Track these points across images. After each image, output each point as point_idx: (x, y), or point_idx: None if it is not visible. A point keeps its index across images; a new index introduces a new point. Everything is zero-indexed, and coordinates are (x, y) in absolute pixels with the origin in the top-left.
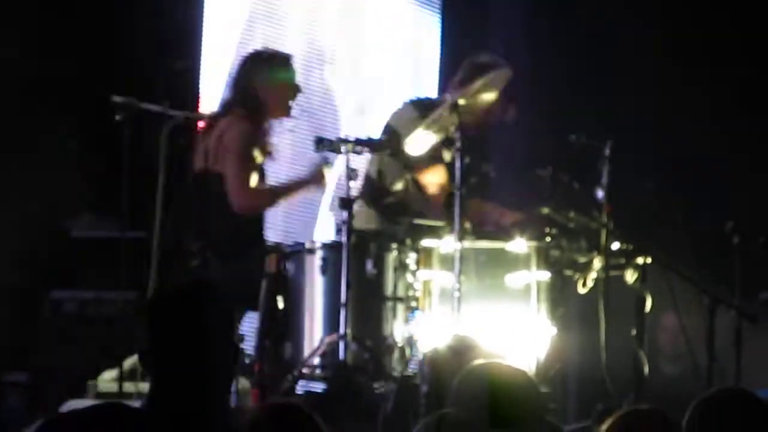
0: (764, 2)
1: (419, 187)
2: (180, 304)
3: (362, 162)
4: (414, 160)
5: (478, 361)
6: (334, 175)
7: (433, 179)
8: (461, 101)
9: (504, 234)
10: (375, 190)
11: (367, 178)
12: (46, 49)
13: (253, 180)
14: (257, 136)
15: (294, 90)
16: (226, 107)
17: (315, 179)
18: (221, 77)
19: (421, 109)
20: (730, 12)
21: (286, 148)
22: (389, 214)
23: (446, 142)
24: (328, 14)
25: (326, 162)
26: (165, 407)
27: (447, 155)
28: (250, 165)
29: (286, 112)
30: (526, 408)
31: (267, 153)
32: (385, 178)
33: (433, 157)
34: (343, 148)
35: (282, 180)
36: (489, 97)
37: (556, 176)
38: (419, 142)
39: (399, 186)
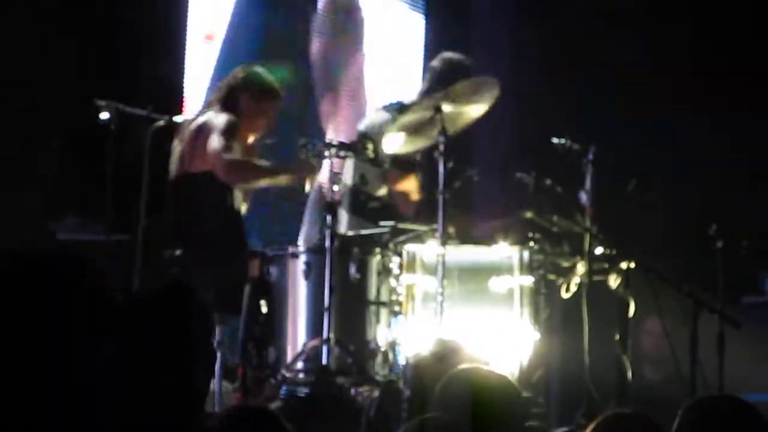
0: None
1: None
2: (158, 307)
3: (342, 170)
4: (387, 170)
5: (461, 366)
6: (320, 174)
7: (406, 188)
8: (445, 106)
9: (487, 239)
10: (358, 195)
11: (349, 187)
12: (30, 51)
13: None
14: (238, 128)
15: (267, 123)
16: (205, 107)
17: (303, 168)
18: (205, 81)
19: (393, 112)
20: (710, 13)
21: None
22: (373, 218)
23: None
24: (311, 15)
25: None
26: (146, 416)
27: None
28: (232, 140)
29: (255, 132)
30: (508, 413)
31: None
32: (367, 183)
33: (405, 166)
34: (326, 153)
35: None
36: (477, 109)
37: (540, 180)
38: (394, 142)
39: (383, 191)
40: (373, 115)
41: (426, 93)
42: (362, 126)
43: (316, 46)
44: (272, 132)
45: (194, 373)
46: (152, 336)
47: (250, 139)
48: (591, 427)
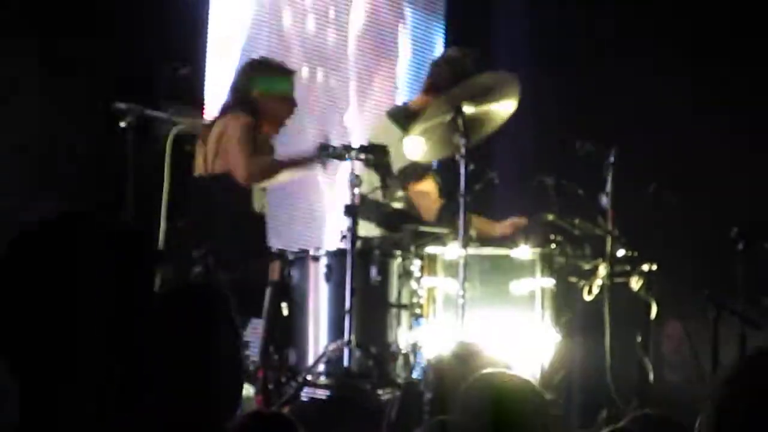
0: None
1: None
2: (182, 307)
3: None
4: (403, 176)
5: (484, 371)
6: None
7: (425, 192)
8: (466, 107)
9: (508, 241)
10: (373, 205)
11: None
12: (50, 55)
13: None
14: (257, 130)
15: (290, 104)
16: (224, 110)
17: (319, 155)
18: (226, 83)
19: (400, 116)
20: (734, 18)
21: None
22: (390, 227)
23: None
24: (330, 19)
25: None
26: (167, 417)
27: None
28: (252, 146)
29: (277, 125)
30: (531, 418)
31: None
32: (388, 187)
33: (423, 170)
34: (347, 155)
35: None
36: (499, 109)
37: (561, 183)
38: (414, 148)
39: (397, 204)
40: (379, 123)
41: (433, 90)
42: (371, 134)
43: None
44: (293, 113)
45: (217, 375)
46: (172, 333)
47: (275, 132)
48: (619, 425)
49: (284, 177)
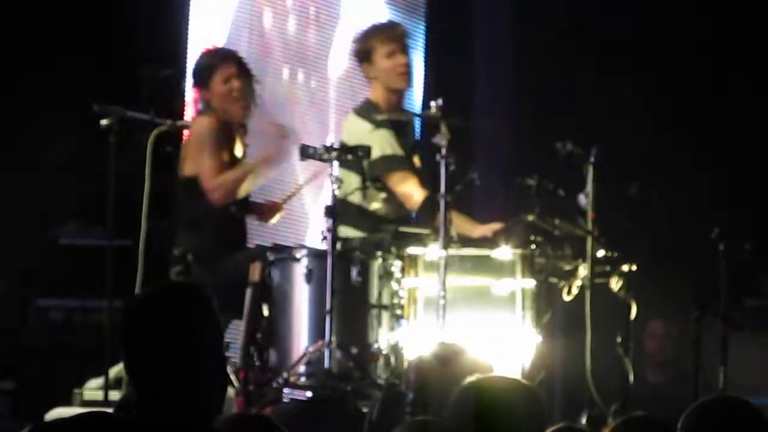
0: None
1: (396, 201)
2: (167, 307)
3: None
4: (378, 171)
5: (474, 376)
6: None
7: (405, 182)
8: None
9: (489, 241)
10: (349, 208)
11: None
12: (31, 56)
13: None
14: (218, 129)
15: (238, 86)
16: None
17: (278, 150)
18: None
19: (370, 114)
20: (714, 20)
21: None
22: (372, 225)
23: (415, 148)
24: (311, 20)
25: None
26: (152, 417)
27: (417, 161)
28: (214, 156)
29: (235, 103)
30: (527, 422)
31: (245, 146)
32: (368, 187)
33: (400, 161)
34: (327, 156)
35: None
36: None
37: (542, 183)
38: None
39: (376, 205)
40: (350, 123)
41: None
42: (344, 136)
43: None
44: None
45: (202, 374)
46: (156, 332)
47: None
48: (611, 427)
49: (250, 184)
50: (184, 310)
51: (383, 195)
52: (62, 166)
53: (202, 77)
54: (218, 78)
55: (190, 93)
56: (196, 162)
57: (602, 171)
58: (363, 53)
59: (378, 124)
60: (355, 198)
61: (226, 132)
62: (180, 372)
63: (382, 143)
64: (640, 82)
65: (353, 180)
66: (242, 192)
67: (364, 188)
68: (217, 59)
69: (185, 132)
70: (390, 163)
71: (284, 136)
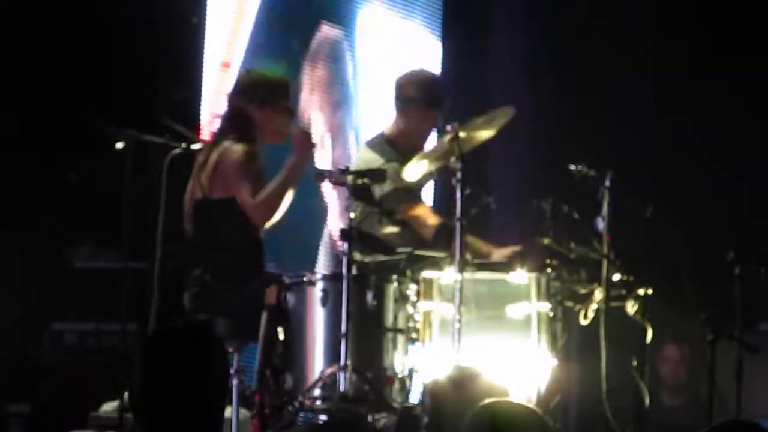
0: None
1: (412, 231)
2: (177, 347)
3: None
4: (392, 204)
5: (486, 400)
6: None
7: (419, 214)
8: (462, 133)
9: (504, 265)
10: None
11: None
12: (46, 80)
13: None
14: (256, 154)
15: (287, 113)
16: (219, 134)
17: (302, 150)
18: (221, 108)
19: (381, 145)
20: (734, 39)
21: None
22: (385, 249)
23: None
24: (329, 42)
25: (336, 182)
26: None
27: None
28: (253, 182)
29: (279, 136)
30: None
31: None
32: (382, 213)
33: (413, 195)
34: (342, 179)
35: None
36: (487, 134)
37: (557, 207)
38: (416, 170)
39: (389, 229)
40: (363, 155)
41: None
42: (356, 166)
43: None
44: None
45: (211, 402)
46: (176, 366)
47: (280, 140)
48: None
49: (291, 195)
50: (201, 350)
51: (397, 228)
52: (77, 188)
53: (265, 98)
54: (279, 106)
55: (206, 115)
56: (233, 189)
57: (617, 194)
58: (404, 100)
59: (390, 158)
60: (366, 225)
61: (258, 156)
62: (192, 407)
63: (393, 176)
64: (656, 106)
65: (365, 210)
66: (285, 206)
67: (380, 212)
68: (284, 88)
69: (213, 156)
70: (403, 196)
71: (307, 139)
